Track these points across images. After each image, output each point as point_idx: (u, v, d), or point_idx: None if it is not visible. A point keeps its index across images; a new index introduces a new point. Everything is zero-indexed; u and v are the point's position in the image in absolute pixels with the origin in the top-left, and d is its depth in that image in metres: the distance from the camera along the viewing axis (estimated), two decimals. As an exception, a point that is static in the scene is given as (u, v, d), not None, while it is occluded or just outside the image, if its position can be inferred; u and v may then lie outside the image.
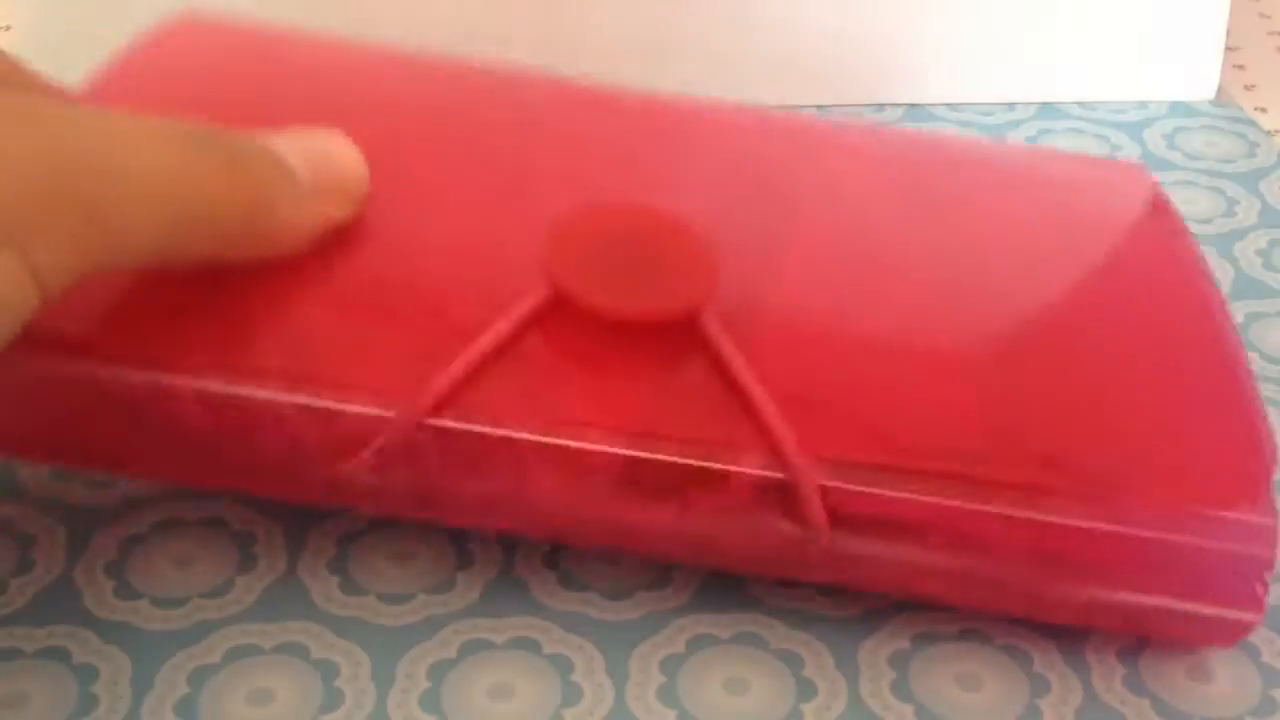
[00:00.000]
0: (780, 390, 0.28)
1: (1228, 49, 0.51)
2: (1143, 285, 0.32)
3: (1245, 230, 0.42)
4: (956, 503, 0.27)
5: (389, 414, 0.28)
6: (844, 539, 0.28)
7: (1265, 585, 0.28)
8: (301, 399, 0.28)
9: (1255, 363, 0.37)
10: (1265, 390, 0.36)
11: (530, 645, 0.29)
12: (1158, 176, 0.45)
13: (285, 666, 0.29)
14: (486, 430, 0.28)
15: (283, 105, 0.34)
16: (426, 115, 0.35)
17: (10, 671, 0.29)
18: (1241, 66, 0.51)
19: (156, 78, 0.35)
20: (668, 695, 0.29)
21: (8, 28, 0.52)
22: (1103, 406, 0.29)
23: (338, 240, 0.30)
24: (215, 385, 0.28)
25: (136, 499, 0.33)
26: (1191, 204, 0.43)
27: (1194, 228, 0.42)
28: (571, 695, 0.29)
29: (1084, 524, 0.27)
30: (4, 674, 0.29)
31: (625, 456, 0.28)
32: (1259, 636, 0.30)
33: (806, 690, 0.29)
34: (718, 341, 0.28)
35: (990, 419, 0.28)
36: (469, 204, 0.32)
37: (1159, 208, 0.35)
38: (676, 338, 0.29)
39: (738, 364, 0.28)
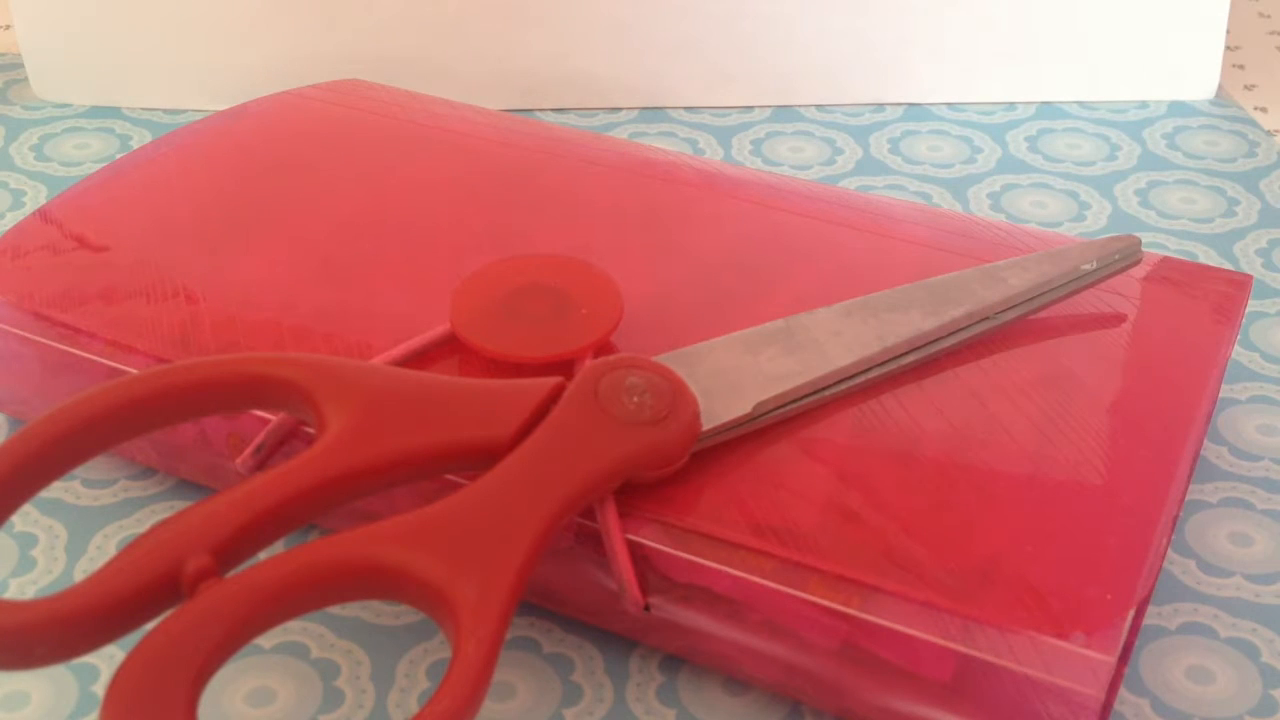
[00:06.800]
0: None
1: (1228, 49, 0.51)
2: (1101, 397, 0.29)
3: (1245, 230, 0.42)
4: (769, 583, 0.26)
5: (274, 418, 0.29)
6: (665, 605, 0.27)
7: None
8: None
9: (1255, 362, 0.37)
10: (1265, 390, 0.36)
11: (530, 645, 0.30)
12: (1161, 177, 0.45)
13: (285, 666, 0.29)
14: None
15: None
16: (429, 170, 0.36)
17: (11, 671, 0.29)
18: (1241, 66, 0.51)
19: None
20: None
21: (8, 27, 0.52)
22: (963, 510, 0.27)
23: (301, 266, 0.33)
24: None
25: (136, 499, 0.33)
26: (1191, 204, 0.43)
27: (1194, 227, 0.42)
28: (572, 695, 0.29)
29: (895, 626, 0.25)
30: (4, 674, 0.29)
31: (455, 484, 0.28)
32: (1259, 637, 0.30)
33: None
34: None
35: (828, 507, 0.27)
36: (428, 250, 0.33)
37: (1206, 321, 0.32)
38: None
39: None
